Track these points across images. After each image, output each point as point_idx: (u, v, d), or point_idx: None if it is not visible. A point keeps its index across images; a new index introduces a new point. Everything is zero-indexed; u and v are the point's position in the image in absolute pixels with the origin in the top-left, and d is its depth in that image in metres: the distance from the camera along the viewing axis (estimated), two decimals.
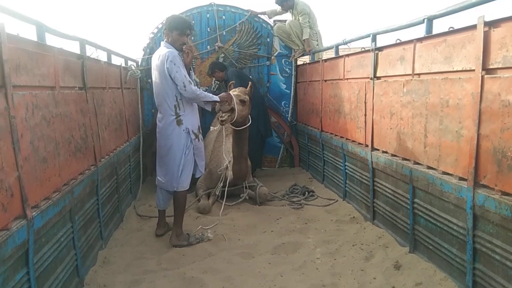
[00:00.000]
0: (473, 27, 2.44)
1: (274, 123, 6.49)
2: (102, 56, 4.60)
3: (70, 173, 2.92)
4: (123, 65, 5.26)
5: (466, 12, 2.77)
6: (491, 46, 2.31)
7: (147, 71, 5.92)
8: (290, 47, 6.47)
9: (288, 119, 6.63)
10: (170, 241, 3.68)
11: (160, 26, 6.27)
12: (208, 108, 3.77)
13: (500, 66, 2.26)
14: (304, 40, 6.20)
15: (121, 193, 4.46)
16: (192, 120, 3.67)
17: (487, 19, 2.34)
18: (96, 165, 3.53)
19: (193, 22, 6.41)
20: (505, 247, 2.22)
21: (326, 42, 6.38)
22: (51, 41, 2.97)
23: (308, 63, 6.22)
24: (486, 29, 2.34)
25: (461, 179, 2.59)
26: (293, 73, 6.57)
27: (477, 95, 2.38)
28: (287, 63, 6.57)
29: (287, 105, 6.65)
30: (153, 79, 3.67)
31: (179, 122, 3.58)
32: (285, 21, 6.50)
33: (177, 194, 3.67)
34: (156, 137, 3.73)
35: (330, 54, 5.55)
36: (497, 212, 2.24)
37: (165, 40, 3.64)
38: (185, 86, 3.43)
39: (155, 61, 3.58)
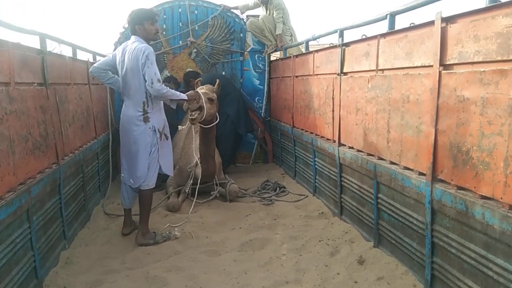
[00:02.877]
0: (432, 23, 2.46)
1: (249, 119, 6.44)
2: (67, 51, 4.50)
3: (27, 172, 2.83)
4: (91, 60, 5.14)
5: (430, 7, 2.78)
6: (448, 42, 2.33)
7: None
8: (263, 42, 6.44)
9: (262, 115, 6.61)
10: (136, 240, 3.61)
11: None
12: (173, 106, 3.71)
13: (456, 62, 2.28)
14: (277, 35, 6.18)
15: (88, 192, 4.36)
16: (158, 118, 3.61)
17: (444, 15, 2.36)
18: (58, 163, 3.43)
19: (164, 16, 6.33)
20: (460, 240, 2.26)
21: (298, 38, 6.37)
22: (9, 36, 2.88)
23: (281, 59, 6.20)
24: (444, 25, 2.36)
25: (420, 174, 2.61)
26: (266, 68, 6.54)
27: (435, 91, 2.40)
28: (260, 58, 6.54)
29: (260, 101, 6.63)
30: (120, 73, 3.58)
31: (146, 119, 3.52)
32: (258, 16, 6.47)
33: (142, 192, 3.61)
34: (120, 131, 3.65)
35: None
36: (452, 207, 2.27)
37: (132, 34, 3.56)
38: (152, 83, 3.36)
39: (127, 55, 3.47)
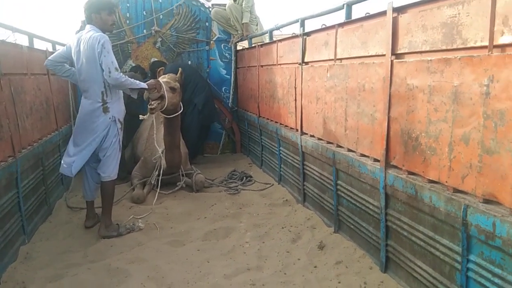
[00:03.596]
0: (384, 13, 2.52)
1: (215, 109, 6.42)
2: (23, 41, 4.34)
3: None
4: (50, 49, 4.97)
5: None
6: (399, 31, 2.40)
7: None
8: (229, 32, 6.40)
9: (229, 105, 6.60)
10: (98, 233, 3.56)
11: None
12: (134, 95, 3.65)
13: (406, 51, 2.36)
14: (243, 24, 6.15)
15: (49, 185, 4.26)
16: (118, 108, 3.55)
17: (396, 5, 2.42)
18: (15, 156, 3.33)
19: (128, 5, 6.20)
20: (411, 223, 2.35)
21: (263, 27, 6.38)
22: None
23: (246, 49, 6.20)
24: (395, 15, 2.43)
25: (375, 160, 2.69)
26: (233, 58, 6.52)
27: (388, 79, 2.47)
28: (226, 48, 6.50)
29: (227, 91, 6.61)
30: (76, 64, 3.49)
31: (105, 110, 3.46)
32: (223, 5, 6.42)
33: (104, 184, 3.55)
34: (76, 121, 3.58)
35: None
36: (404, 191, 2.36)
37: (88, 23, 3.48)
38: (110, 72, 3.30)
39: (82, 45, 3.39)
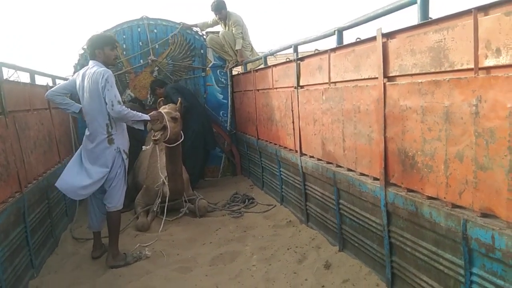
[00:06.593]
0: (374, 38, 2.64)
1: (214, 133, 6.54)
2: (25, 77, 4.45)
3: None
4: (50, 84, 5.09)
5: (375, 22, 2.97)
6: (390, 55, 2.51)
7: None
8: (224, 58, 6.57)
9: (228, 128, 6.71)
10: (106, 263, 3.60)
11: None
12: (140, 127, 3.73)
13: (397, 74, 2.47)
14: (237, 50, 6.32)
15: (54, 217, 4.30)
16: (123, 139, 3.64)
17: (385, 31, 2.54)
18: (22, 192, 3.39)
19: (124, 36, 6.35)
20: (414, 239, 2.42)
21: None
22: None
23: (242, 73, 6.35)
24: (384, 40, 2.55)
25: (375, 179, 2.78)
26: (229, 83, 6.67)
27: (381, 101, 2.58)
28: (222, 73, 6.66)
29: (225, 115, 6.74)
30: (82, 98, 3.58)
31: (110, 141, 3.54)
32: (217, 32, 6.59)
33: (110, 214, 3.61)
34: (83, 154, 3.65)
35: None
36: (404, 208, 2.43)
37: (91, 59, 3.60)
38: (112, 105, 3.40)
39: (86, 80, 3.49)
